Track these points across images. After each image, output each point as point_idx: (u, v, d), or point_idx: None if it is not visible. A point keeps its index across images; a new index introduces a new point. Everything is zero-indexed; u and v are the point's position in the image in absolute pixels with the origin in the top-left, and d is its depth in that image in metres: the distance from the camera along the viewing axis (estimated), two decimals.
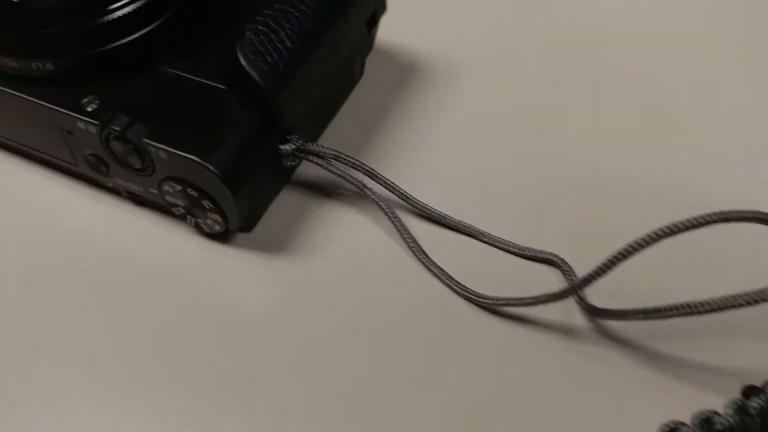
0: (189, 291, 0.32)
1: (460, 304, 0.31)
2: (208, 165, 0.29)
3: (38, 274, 0.32)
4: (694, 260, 0.31)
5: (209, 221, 0.32)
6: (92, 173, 0.34)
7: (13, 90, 0.32)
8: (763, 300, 0.25)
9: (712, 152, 0.36)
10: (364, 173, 0.33)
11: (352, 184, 0.33)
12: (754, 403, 0.26)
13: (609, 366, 0.29)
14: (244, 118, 0.31)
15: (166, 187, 0.31)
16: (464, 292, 0.31)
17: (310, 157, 0.32)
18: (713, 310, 0.26)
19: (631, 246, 0.26)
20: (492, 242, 0.32)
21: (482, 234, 0.33)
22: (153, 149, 0.30)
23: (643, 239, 0.26)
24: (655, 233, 0.26)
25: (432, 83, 0.39)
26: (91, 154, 0.33)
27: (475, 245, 0.33)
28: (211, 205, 0.31)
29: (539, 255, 0.32)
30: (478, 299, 0.31)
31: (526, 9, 0.42)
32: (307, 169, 0.35)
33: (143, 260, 0.33)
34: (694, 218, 0.25)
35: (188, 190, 0.31)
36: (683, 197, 0.33)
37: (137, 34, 0.32)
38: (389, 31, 0.39)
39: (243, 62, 0.30)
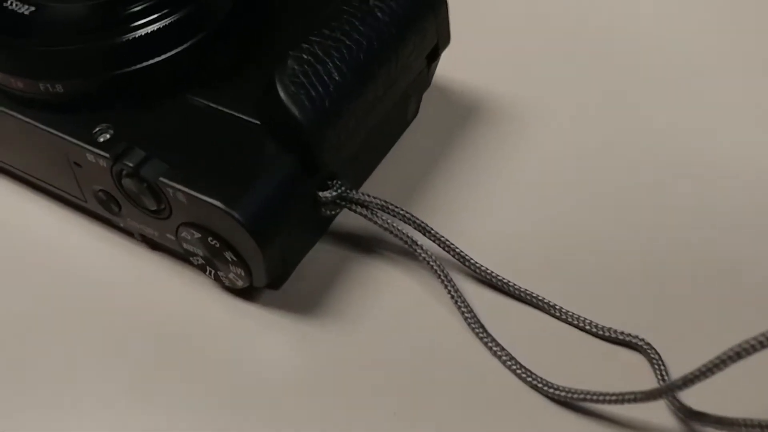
0: (201, 353, 0.27)
1: (525, 394, 0.26)
2: (233, 213, 0.25)
3: (34, 315, 0.28)
4: None
5: (231, 275, 0.27)
6: (102, 211, 0.29)
7: (17, 113, 0.28)
8: None
9: None
10: (414, 227, 0.28)
11: (400, 239, 0.28)
12: None
13: None
14: (280, 160, 0.26)
15: (183, 234, 0.27)
16: (530, 379, 0.26)
17: (353, 207, 0.28)
18: None
19: (739, 350, 0.21)
20: (564, 318, 0.27)
21: (553, 307, 0.28)
22: (170, 190, 0.26)
23: (758, 341, 0.21)
24: None
25: (496, 127, 0.34)
26: (101, 191, 0.28)
27: (544, 320, 0.28)
28: (234, 258, 0.26)
29: (621, 337, 0.27)
30: (549, 390, 0.25)
31: (598, 52, 0.37)
32: (348, 219, 0.30)
33: (152, 313, 0.28)
34: None
35: (209, 239, 0.26)
36: None
37: (163, 56, 0.28)
38: (449, 66, 0.34)
39: (282, 95, 0.25)
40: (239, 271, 0.27)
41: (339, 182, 0.27)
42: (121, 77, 0.27)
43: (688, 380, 0.22)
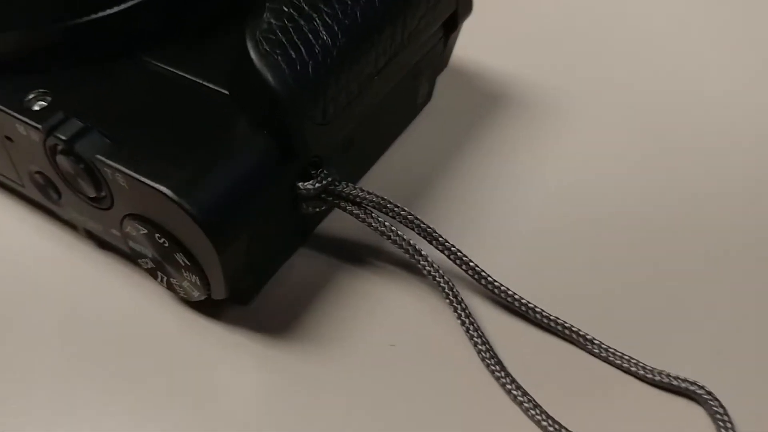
0: (144, 377, 0.22)
1: None
2: (182, 202, 0.19)
3: None
4: None
5: (185, 284, 0.22)
6: (41, 199, 0.24)
7: None
8: None
9: None
10: (418, 232, 0.23)
11: (400, 246, 0.22)
12: None
13: None
14: (249, 140, 0.21)
15: (128, 229, 0.21)
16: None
17: (342, 204, 0.22)
18: None
19: None
20: (603, 355, 0.22)
21: (589, 341, 0.22)
22: (109, 171, 0.20)
23: None
24: None
25: (520, 119, 0.28)
26: (37, 173, 0.23)
27: (576, 356, 0.22)
28: (187, 262, 0.21)
29: (675, 383, 0.21)
30: None
31: (633, 47, 0.32)
32: (337, 221, 0.25)
33: (92, 324, 0.23)
34: None
35: (156, 236, 0.21)
36: None
37: (117, 8, 0.22)
38: (472, 47, 0.29)
39: (253, 55, 0.20)
40: (194, 278, 0.21)
41: (325, 172, 0.22)
42: (63, 32, 0.22)
43: None
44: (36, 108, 0.22)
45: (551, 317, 0.22)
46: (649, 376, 0.21)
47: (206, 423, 0.21)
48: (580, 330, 0.22)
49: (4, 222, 0.26)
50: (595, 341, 0.22)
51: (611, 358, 0.22)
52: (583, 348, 0.22)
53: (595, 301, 0.23)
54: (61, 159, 0.21)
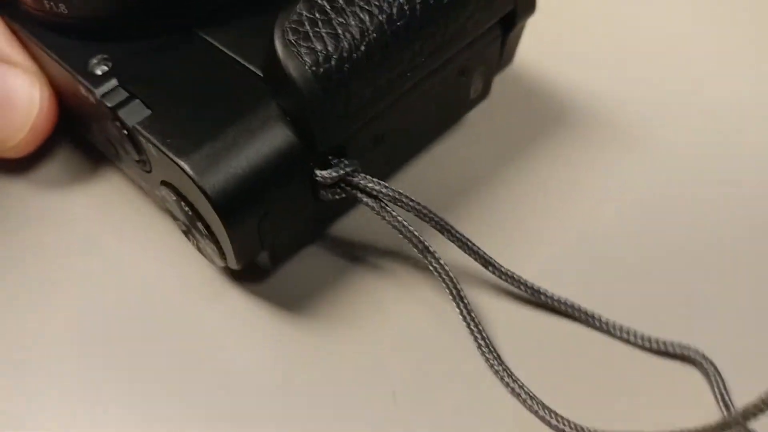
0: (168, 325, 0.24)
1: None
2: (197, 179, 0.21)
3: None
4: None
5: (208, 249, 0.23)
6: (110, 156, 0.27)
7: (30, 32, 0.26)
8: None
9: None
10: (432, 225, 0.23)
11: (410, 240, 0.23)
12: None
13: None
14: (273, 124, 0.22)
15: (164, 194, 0.23)
16: (558, 423, 0.20)
17: (358, 194, 0.23)
18: None
19: None
20: (605, 329, 0.23)
21: (592, 318, 0.23)
22: (143, 140, 0.22)
23: None
24: None
25: (577, 131, 0.28)
26: (104, 133, 0.25)
27: (580, 334, 0.23)
28: (206, 232, 0.22)
29: (672, 350, 0.22)
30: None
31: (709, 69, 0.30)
32: (361, 214, 0.26)
33: (133, 268, 0.25)
34: None
35: (182, 203, 0.22)
36: None
37: None
38: (546, 50, 0.28)
39: (277, 45, 0.21)
40: (212, 246, 0.23)
41: (345, 162, 0.23)
42: (127, 3, 0.24)
43: (757, 409, 0.17)
44: (98, 72, 0.24)
45: (556, 297, 0.23)
46: (647, 345, 0.22)
47: (206, 377, 0.22)
48: (582, 306, 0.23)
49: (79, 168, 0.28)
50: (596, 316, 0.23)
51: (612, 331, 0.23)
52: (586, 323, 0.23)
53: (597, 285, 0.24)
54: (110, 123, 0.23)
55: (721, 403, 0.21)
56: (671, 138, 0.28)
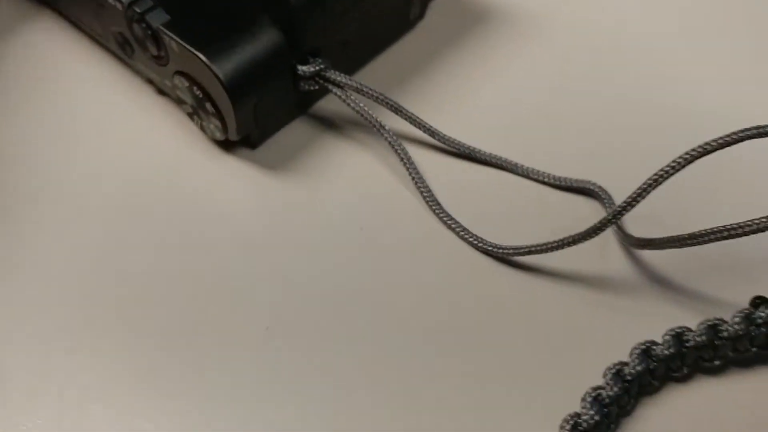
0: (176, 186, 0.31)
1: (476, 258, 0.29)
2: (213, 68, 0.28)
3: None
4: (728, 183, 0.31)
5: (212, 126, 0.30)
6: (119, 52, 0.33)
7: None
8: None
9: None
10: (387, 108, 0.31)
11: (368, 120, 0.31)
12: (761, 313, 0.25)
13: (635, 287, 0.28)
14: (267, 30, 0.29)
15: (176, 81, 0.30)
16: (481, 245, 0.29)
17: (330, 86, 0.30)
18: (741, 234, 0.24)
19: (666, 169, 0.25)
20: (525, 174, 0.31)
21: (514, 166, 0.31)
22: (167, 38, 0.29)
23: (677, 161, 0.25)
24: (688, 153, 0.24)
25: (496, 33, 0.36)
26: (119, 33, 0.32)
27: (507, 182, 0.31)
28: (213, 110, 0.29)
29: (576, 185, 0.30)
30: (498, 251, 0.29)
31: None
32: (330, 103, 0.33)
33: (142, 142, 0.32)
34: (727, 135, 0.24)
35: (194, 88, 0.29)
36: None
37: None
38: None
39: None
40: (216, 122, 0.30)
41: (319, 60, 0.30)
42: None
43: (635, 197, 0.25)
44: None
45: (486, 153, 0.31)
46: (558, 183, 0.31)
47: (209, 224, 0.30)
48: (506, 158, 0.31)
49: (86, 64, 0.35)
50: (517, 164, 0.31)
51: (530, 175, 0.31)
52: (510, 170, 0.31)
53: (515, 139, 0.32)
54: (135, 26, 0.30)
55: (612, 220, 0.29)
56: (571, 31, 0.36)
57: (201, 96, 0.29)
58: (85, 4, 0.32)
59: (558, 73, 0.35)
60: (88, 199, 0.30)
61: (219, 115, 0.29)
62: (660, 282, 0.28)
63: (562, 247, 0.27)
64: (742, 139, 0.24)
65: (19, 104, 0.33)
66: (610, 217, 0.26)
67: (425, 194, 0.30)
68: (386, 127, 0.31)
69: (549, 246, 0.27)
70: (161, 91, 0.33)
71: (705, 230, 0.25)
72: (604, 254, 0.29)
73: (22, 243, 0.29)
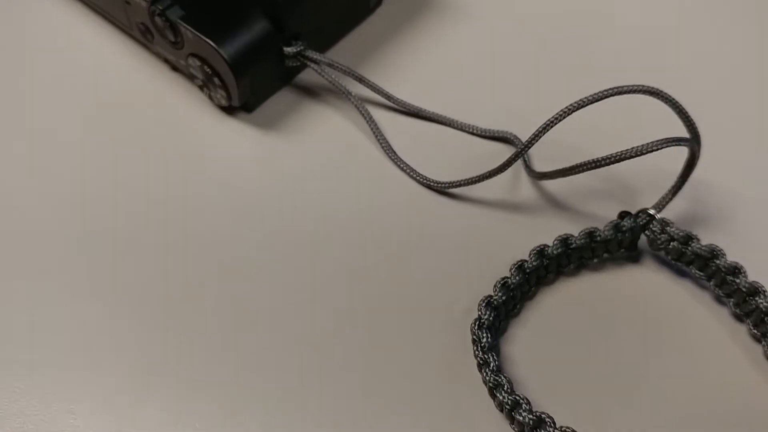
0: (189, 139, 0.40)
1: (421, 191, 0.38)
2: (221, 51, 0.37)
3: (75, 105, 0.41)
4: (601, 127, 0.39)
5: (218, 95, 0.40)
6: (141, 38, 0.42)
7: None
8: (647, 152, 0.34)
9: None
10: (354, 79, 0.40)
11: (339, 88, 0.40)
12: (625, 223, 0.35)
13: (536, 208, 0.38)
14: (259, 20, 0.38)
15: (190, 61, 0.39)
16: (424, 180, 0.38)
17: (309, 62, 0.40)
18: (611, 162, 0.34)
19: (551, 119, 0.34)
20: (459, 127, 0.40)
21: (451, 121, 0.41)
22: (183, 29, 0.38)
23: (559, 113, 0.34)
24: (567, 108, 0.33)
25: (439, 18, 0.45)
26: (141, 23, 0.41)
27: (446, 134, 0.40)
28: (220, 83, 0.39)
29: (497, 134, 0.40)
30: (435, 184, 0.38)
31: None
32: (309, 76, 0.42)
33: (162, 109, 0.41)
34: (597, 93, 0.33)
35: (205, 67, 0.38)
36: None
37: None
38: None
39: None
40: (222, 92, 0.39)
41: (300, 42, 0.39)
42: None
43: (536, 135, 0.34)
44: None
45: (431, 112, 0.41)
46: (484, 133, 0.40)
47: (216, 167, 0.39)
48: (446, 115, 0.41)
49: (112, 47, 0.44)
50: (454, 120, 0.40)
51: (463, 128, 0.40)
52: (448, 125, 0.41)
53: (453, 99, 0.42)
54: (157, 19, 0.39)
55: (523, 162, 0.39)
56: (501, 13, 0.45)
57: (210, 72, 0.38)
58: (115, 2, 0.41)
59: (489, 46, 0.44)
60: (114, 144, 0.40)
61: (224, 86, 0.39)
62: (554, 203, 0.38)
63: (484, 180, 0.37)
64: (605, 97, 0.33)
65: (54, 83, 0.42)
66: (513, 156, 0.35)
67: (383, 145, 0.40)
68: (353, 94, 0.40)
69: (474, 179, 0.37)
70: (175, 68, 0.42)
71: (580, 162, 0.34)
72: (515, 185, 0.38)
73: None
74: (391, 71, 0.43)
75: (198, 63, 0.39)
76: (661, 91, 0.33)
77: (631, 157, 0.33)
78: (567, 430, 0.30)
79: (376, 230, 0.37)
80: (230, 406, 0.32)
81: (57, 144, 0.40)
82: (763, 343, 0.34)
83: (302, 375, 0.33)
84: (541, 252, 0.35)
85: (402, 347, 0.34)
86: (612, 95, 0.33)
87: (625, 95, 0.33)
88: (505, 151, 0.40)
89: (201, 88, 0.41)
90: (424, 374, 0.33)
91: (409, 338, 0.34)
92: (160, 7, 0.38)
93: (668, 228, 0.35)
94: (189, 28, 0.37)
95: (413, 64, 0.43)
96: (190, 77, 0.41)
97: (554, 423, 0.30)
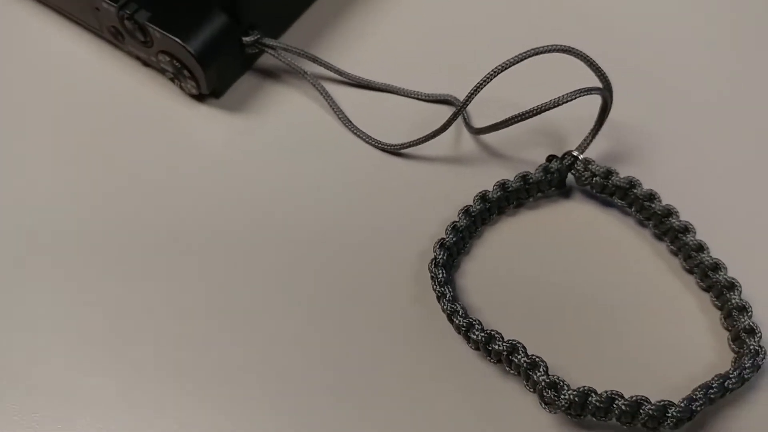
0: (166, 127, 0.45)
1: (375, 154, 0.44)
2: (187, 46, 0.42)
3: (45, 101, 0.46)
4: (529, 85, 0.43)
5: (188, 85, 0.44)
6: (113, 40, 0.46)
7: None
8: (564, 102, 0.38)
9: None
10: (308, 59, 0.45)
11: (295, 69, 0.45)
12: (553, 165, 0.41)
13: (477, 160, 0.44)
14: (219, 15, 0.43)
15: (160, 57, 0.44)
16: (375, 143, 0.44)
17: (266, 49, 0.45)
18: (535, 114, 0.39)
19: (481, 80, 0.39)
20: (406, 94, 0.45)
21: (398, 89, 0.46)
22: (151, 29, 0.42)
23: (488, 74, 0.39)
24: (497, 67, 0.38)
25: None
26: (112, 26, 0.45)
27: (395, 101, 0.46)
28: (188, 74, 0.43)
29: (439, 97, 0.45)
30: (386, 146, 0.43)
31: None
32: (267, 60, 0.47)
33: (138, 102, 0.46)
34: (518, 54, 0.38)
35: (174, 61, 0.43)
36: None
37: None
38: None
39: None
40: (192, 83, 0.44)
41: (257, 32, 0.44)
42: None
43: (469, 95, 0.40)
44: None
45: (379, 83, 0.45)
46: (427, 98, 0.45)
47: (191, 148, 0.44)
48: (393, 84, 0.46)
49: (87, 49, 0.48)
50: (400, 88, 0.45)
51: (409, 94, 0.45)
52: (396, 93, 0.45)
53: (399, 70, 0.46)
54: (126, 22, 0.43)
55: (462, 120, 0.45)
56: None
57: (179, 66, 0.43)
58: (85, 7, 0.45)
59: (429, 19, 0.49)
60: (96, 136, 0.44)
61: (193, 77, 0.43)
62: (492, 154, 0.43)
63: (430, 139, 0.42)
64: (525, 57, 0.38)
65: (37, 85, 0.47)
66: (452, 116, 0.41)
67: (340, 116, 0.45)
68: (308, 73, 0.45)
69: (422, 139, 0.42)
70: (146, 64, 0.47)
71: (510, 116, 0.40)
72: (458, 141, 0.44)
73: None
74: (342, 49, 0.48)
75: (167, 58, 0.43)
76: (573, 48, 0.38)
77: (552, 107, 0.39)
78: (513, 341, 0.35)
79: (341, 191, 0.42)
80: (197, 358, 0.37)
81: (36, 143, 0.44)
82: (680, 256, 0.40)
83: (280, 327, 0.38)
84: (483, 197, 0.40)
85: (371, 287, 0.39)
86: (531, 56, 0.38)
87: (546, 54, 0.38)
88: (448, 112, 0.44)
89: (172, 80, 0.45)
90: (393, 308, 0.38)
91: (377, 279, 0.39)
92: (129, 12, 0.42)
93: (590, 166, 0.41)
94: (157, 28, 0.42)
95: (361, 41, 0.48)
96: (162, 71, 0.45)
97: (503, 338, 0.36)
